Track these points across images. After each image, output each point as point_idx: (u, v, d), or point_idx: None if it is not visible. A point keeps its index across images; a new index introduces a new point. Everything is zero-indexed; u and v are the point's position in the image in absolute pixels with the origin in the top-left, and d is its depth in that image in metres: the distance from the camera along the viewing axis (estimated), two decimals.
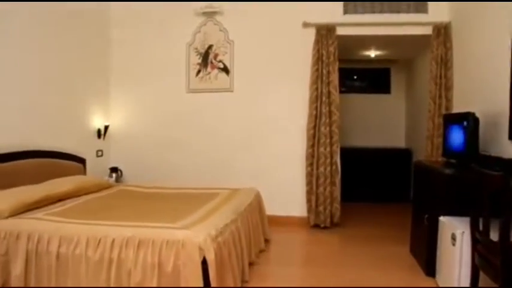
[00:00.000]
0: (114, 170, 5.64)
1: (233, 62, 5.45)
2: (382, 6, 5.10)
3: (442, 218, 3.42)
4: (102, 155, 5.74)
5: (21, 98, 4.33)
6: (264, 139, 5.44)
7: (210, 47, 5.52)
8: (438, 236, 3.46)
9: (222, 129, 5.56)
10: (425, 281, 3.54)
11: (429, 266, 3.58)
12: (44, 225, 3.15)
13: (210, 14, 5.50)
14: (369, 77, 7.65)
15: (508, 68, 3.42)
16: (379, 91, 7.59)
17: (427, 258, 3.61)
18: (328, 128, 5.10)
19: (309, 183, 5.19)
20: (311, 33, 5.17)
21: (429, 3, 5.06)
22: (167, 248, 2.79)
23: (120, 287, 2.85)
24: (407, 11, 5.07)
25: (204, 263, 2.75)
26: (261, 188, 4.75)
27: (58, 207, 3.68)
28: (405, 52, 6.72)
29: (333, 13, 5.19)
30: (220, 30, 5.48)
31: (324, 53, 5.08)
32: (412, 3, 5.06)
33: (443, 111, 4.80)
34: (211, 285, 2.75)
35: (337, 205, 5.19)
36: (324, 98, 5.07)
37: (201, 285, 2.72)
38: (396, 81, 7.58)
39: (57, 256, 3.00)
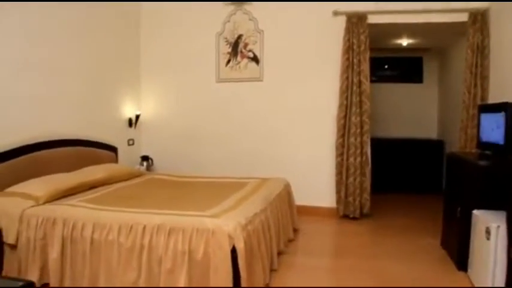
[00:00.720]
0: (145, 158, 5.74)
1: (263, 51, 5.43)
2: None
3: (475, 211, 3.34)
4: (133, 144, 5.85)
5: (57, 90, 4.46)
6: (293, 129, 5.41)
7: (239, 36, 5.51)
8: (471, 230, 3.38)
9: (252, 119, 5.56)
10: (456, 275, 3.47)
11: (461, 260, 3.51)
12: (79, 211, 3.24)
13: (239, 4, 5.48)
14: (401, 66, 7.50)
15: None
16: (411, 80, 7.43)
17: (458, 251, 3.54)
18: (358, 118, 5.03)
19: (338, 173, 5.15)
20: (341, 21, 5.09)
21: None
22: (197, 236, 2.83)
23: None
24: None
25: (234, 251, 2.77)
26: (290, 178, 4.75)
27: (91, 194, 3.78)
28: (439, 40, 6.55)
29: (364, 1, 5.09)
30: (250, 20, 5.46)
31: (355, 41, 5.00)
32: None
33: (478, 102, 4.65)
34: (241, 274, 2.78)
35: (366, 196, 5.14)
36: (354, 88, 5.00)
37: (231, 274, 2.74)
38: (429, 70, 7.40)
39: (91, 242, 3.08)
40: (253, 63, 5.47)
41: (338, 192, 5.18)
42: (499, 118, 3.45)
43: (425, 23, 5.05)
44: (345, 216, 5.17)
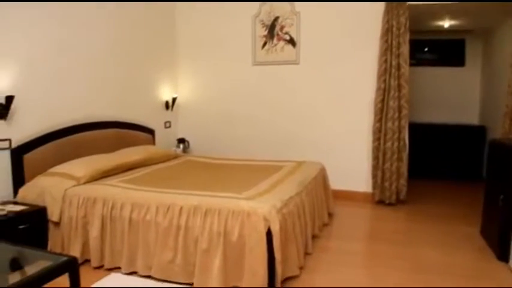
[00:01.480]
0: (181, 140, 5.83)
1: (299, 33, 5.36)
2: None
3: None
4: (170, 126, 5.94)
5: (97, 74, 4.59)
6: (329, 113, 5.35)
7: (276, 18, 5.45)
8: None
9: (288, 102, 5.53)
10: (496, 265, 3.38)
11: (502, 249, 3.41)
12: (118, 191, 3.33)
13: None
14: (441, 49, 7.25)
15: None
16: (452, 64, 7.18)
17: (499, 241, 3.44)
18: (396, 102, 4.91)
19: (375, 158, 5.08)
20: (380, 3, 4.95)
21: None
22: (233, 217, 2.86)
23: None
24: None
25: (269, 233, 2.79)
26: (326, 162, 4.73)
27: (130, 175, 3.87)
28: (483, 21, 6.27)
29: None
30: (286, 2, 5.39)
31: (394, 23, 4.85)
32: None
33: None
34: (275, 256, 2.79)
35: (403, 181, 5.05)
36: (393, 71, 4.88)
37: (265, 255, 2.77)
38: (471, 53, 7.12)
39: (129, 221, 3.17)
40: (290, 46, 5.41)
41: (374, 177, 5.12)
42: None
43: (470, 3, 4.83)
44: (381, 202, 5.11)
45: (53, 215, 3.44)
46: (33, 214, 3.38)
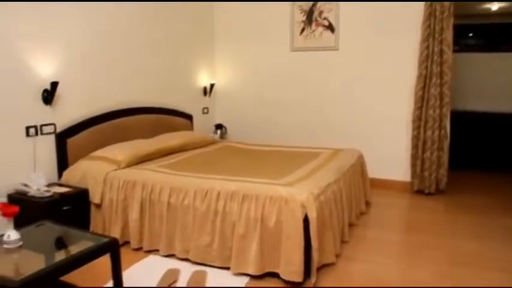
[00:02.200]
0: (218, 126, 5.88)
1: (338, 19, 5.26)
2: None
3: None
4: (207, 112, 6.00)
5: (137, 61, 4.68)
6: (368, 100, 5.24)
7: (314, 4, 5.36)
8: None
9: (326, 89, 5.45)
10: None
11: None
12: (157, 176, 3.40)
13: None
14: (488, 34, 6.94)
15: None
16: (500, 49, 6.87)
17: None
18: (438, 90, 4.76)
19: (414, 147, 4.96)
20: None
21: None
22: (270, 203, 2.87)
23: None
24: None
25: (306, 220, 2.78)
26: (364, 149, 4.67)
27: (168, 160, 3.94)
28: None
29: None
30: None
31: (438, 7, 4.68)
32: None
33: None
34: (312, 243, 2.78)
35: (443, 171, 4.91)
36: (435, 57, 4.72)
37: (302, 242, 2.76)
38: None
39: (168, 205, 3.23)
40: (328, 32, 5.32)
41: (413, 166, 5.01)
42: None
43: None
44: (419, 192, 5.00)
45: (94, 197, 3.55)
46: (76, 196, 3.51)
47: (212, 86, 5.97)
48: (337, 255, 3.22)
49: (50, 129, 3.74)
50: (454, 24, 4.75)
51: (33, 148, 3.62)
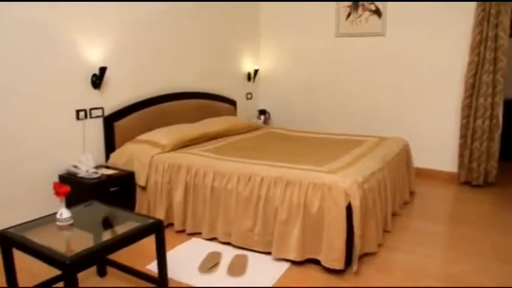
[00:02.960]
0: (262, 112, 5.89)
1: (386, 3, 5.10)
2: None
3: None
4: (251, 98, 6.02)
5: (183, 47, 4.74)
6: (415, 87, 5.08)
7: None
8: None
9: (370, 76, 5.34)
10: None
11: None
12: (201, 160, 3.44)
13: None
14: None
15: None
16: None
17: None
18: (491, 77, 4.55)
19: (463, 136, 4.78)
20: None
21: None
22: (313, 190, 2.85)
23: None
24: None
25: (349, 208, 2.76)
26: (410, 138, 4.56)
27: (212, 145, 3.98)
28: None
29: None
30: None
31: None
32: None
33: None
34: (354, 231, 2.76)
35: (493, 163, 4.72)
36: (489, 43, 4.49)
37: (344, 230, 2.74)
38: None
39: (211, 189, 3.27)
40: (375, 17, 5.18)
41: (461, 156, 4.84)
42: None
43: None
44: (467, 183, 4.85)
45: (140, 179, 3.64)
46: (123, 178, 3.61)
47: (256, 71, 5.98)
48: (379, 245, 3.18)
49: (99, 112, 3.86)
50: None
51: (83, 131, 3.75)
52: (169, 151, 3.72)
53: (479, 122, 4.63)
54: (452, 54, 4.81)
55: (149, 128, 4.14)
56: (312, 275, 2.84)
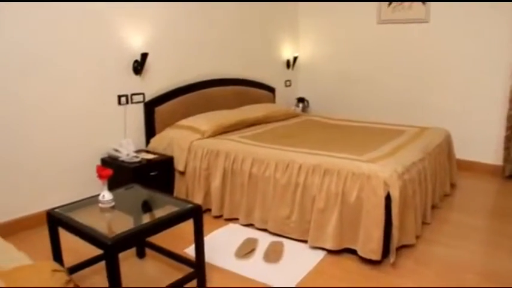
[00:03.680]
0: (300, 100, 5.85)
1: None
2: None
3: None
4: (290, 85, 5.99)
5: (222, 34, 4.76)
6: (459, 76, 4.90)
7: None
8: None
9: (413, 64, 5.19)
10: None
11: None
12: (239, 146, 3.46)
13: None
14: None
15: None
16: None
17: None
18: None
19: (509, 128, 4.58)
20: None
21: None
22: (352, 179, 2.82)
23: None
24: None
25: (388, 198, 2.72)
26: (452, 128, 4.43)
27: (251, 131, 4.00)
28: None
29: None
30: None
31: None
32: None
33: None
34: (393, 222, 2.72)
35: None
36: None
37: (382, 220, 2.70)
38: None
39: (249, 175, 3.30)
40: (419, 3, 4.99)
41: (506, 149, 4.66)
42: None
43: None
44: (511, 177, 4.68)
45: (179, 164, 3.70)
46: (162, 163, 3.68)
47: (295, 58, 5.94)
48: (418, 237, 3.13)
49: (140, 98, 3.93)
50: None
51: (124, 116, 3.83)
52: (208, 137, 3.76)
53: None
54: (500, 42, 4.61)
55: (188, 114, 4.19)
56: (348, 264, 2.82)
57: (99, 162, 3.65)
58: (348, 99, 5.71)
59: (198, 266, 2.46)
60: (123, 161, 3.54)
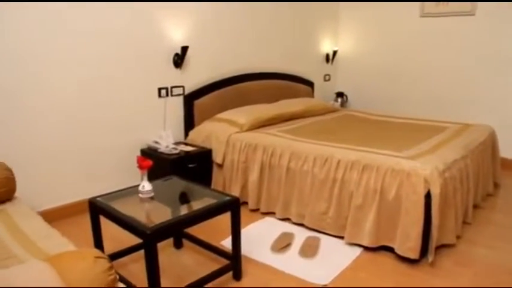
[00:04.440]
0: (339, 94, 5.79)
1: None
2: None
3: None
4: (329, 80, 5.95)
5: (261, 27, 4.75)
6: (506, 71, 4.72)
7: None
8: None
9: (457, 59, 5.02)
10: None
11: None
12: (277, 140, 3.47)
13: None
14: None
15: None
16: None
17: None
18: None
19: None
20: None
21: None
22: (391, 176, 2.78)
23: None
24: None
25: (427, 196, 2.66)
26: (498, 126, 4.27)
27: (289, 126, 3.99)
28: None
29: None
30: None
31: None
32: None
33: None
34: (432, 220, 2.66)
35: None
36: None
37: (422, 218, 2.65)
38: None
39: (287, 169, 3.30)
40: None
41: None
42: None
43: None
44: None
45: (217, 157, 3.74)
46: (200, 155, 3.73)
47: (335, 53, 5.88)
48: (458, 237, 3.05)
49: (179, 91, 3.99)
50: None
51: (164, 108, 3.90)
52: (246, 130, 3.78)
53: None
54: None
55: (227, 107, 4.22)
56: (385, 262, 2.79)
57: (139, 153, 3.74)
58: (388, 94, 5.60)
59: (235, 258, 2.49)
60: (162, 153, 3.61)
